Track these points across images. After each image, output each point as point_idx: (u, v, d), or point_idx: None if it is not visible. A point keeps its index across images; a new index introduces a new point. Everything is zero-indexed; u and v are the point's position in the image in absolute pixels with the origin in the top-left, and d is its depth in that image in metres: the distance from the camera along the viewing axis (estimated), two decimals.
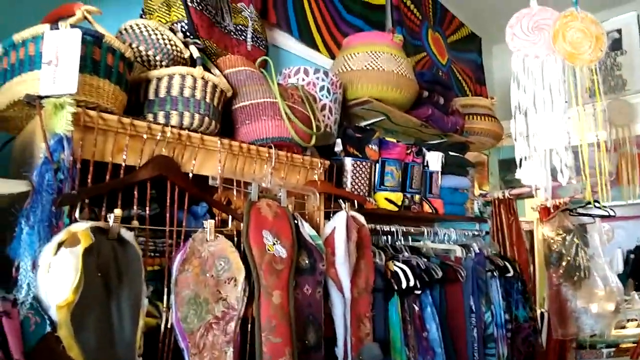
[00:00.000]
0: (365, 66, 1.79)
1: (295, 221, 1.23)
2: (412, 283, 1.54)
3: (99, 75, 0.89)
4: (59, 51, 0.83)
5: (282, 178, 1.31)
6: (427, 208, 1.98)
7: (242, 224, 1.12)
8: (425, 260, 1.73)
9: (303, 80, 1.63)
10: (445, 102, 2.18)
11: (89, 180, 0.85)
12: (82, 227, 0.78)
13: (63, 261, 0.72)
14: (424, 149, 2.03)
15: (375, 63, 1.79)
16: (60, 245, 0.74)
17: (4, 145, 1.03)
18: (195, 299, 0.95)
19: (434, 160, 2.03)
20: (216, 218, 1.12)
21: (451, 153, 2.14)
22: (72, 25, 0.85)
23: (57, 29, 0.84)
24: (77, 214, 0.82)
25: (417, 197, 1.94)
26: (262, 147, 1.23)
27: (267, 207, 1.19)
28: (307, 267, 1.21)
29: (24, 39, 0.86)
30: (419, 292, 1.60)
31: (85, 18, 0.93)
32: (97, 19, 0.95)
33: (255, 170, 1.23)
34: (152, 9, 1.26)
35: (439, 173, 2.06)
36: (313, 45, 2.04)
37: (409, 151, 1.91)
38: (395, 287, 1.52)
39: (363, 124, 1.99)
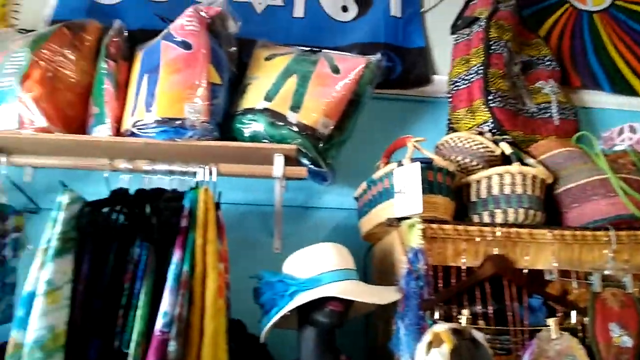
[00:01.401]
0: None
1: None
2: None
3: (433, 193, 1.07)
4: (405, 181, 1.05)
5: (626, 261, 1.11)
6: None
7: (585, 318, 1.01)
8: None
9: (630, 139, 1.39)
10: None
11: (439, 284, 1.00)
12: (443, 329, 0.90)
13: None
14: None
15: None
16: (429, 345, 0.87)
17: (367, 252, 1.35)
18: None
19: None
20: (557, 313, 1.05)
21: None
22: (412, 159, 1.07)
23: (402, 165, 1.08)
24: (436, 316, 0.96)
25: None
26: (598, 231, 1.10)
27: (612, 296, 1.04)
28: None
29: (381, 176, 1.15)
30: None
31: (415, 147, 1.16)
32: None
33: (593, 257, 1.10)
34: (457, 119, 1.42)
35: None
36: (631, 92, 1.73)
37: None
38: None
39: None
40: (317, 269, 0.99)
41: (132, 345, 0.86)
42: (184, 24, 1.26)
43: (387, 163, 1.36)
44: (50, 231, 0.93)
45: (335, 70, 1.33)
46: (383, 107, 1.62)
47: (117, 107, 1.26)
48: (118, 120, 1.26)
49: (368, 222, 1.24)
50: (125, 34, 1.34)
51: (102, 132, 1.23)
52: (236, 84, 1.40)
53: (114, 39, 1.30)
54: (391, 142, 1.33)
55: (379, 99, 1.56)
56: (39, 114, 1.17)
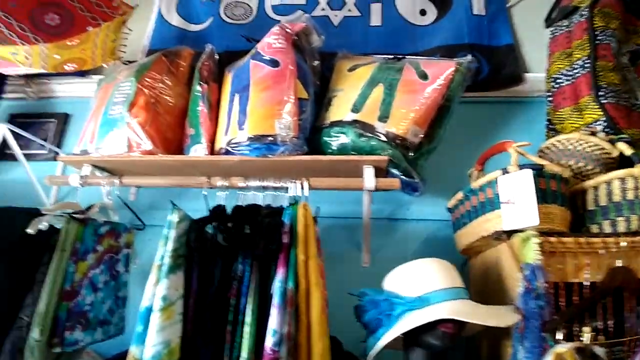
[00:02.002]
0: None
1: None
2: None
3: (547, 202, 0.96)
4: (514, 191, 0.96)
5: None
6: None
7: None
8: None
9: None
10: None
11: (560, 302, 0.89)
12: (566, 349, 0.80)
13: None
14: None
15: None
16: None
17: (462, 266, 1.26)
18: None
19: None
20: None
21: None
22: (520, 166, 0.97)
23: (508, 172, 0.99)
24: (559, 336, 0.85)
25: None
26: None
27: None
28: None
29: (482, 185, 1.06)
30: None
31: (518, 152, 1.06)
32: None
33: None
34: (561, 118, 1.29)
35: None
36: None
37: None
38: None
39: None
40: (425, 287, 0.93)
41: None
42: (271, 42, 1.28)
43: (481, 170, 1.27)
44: (162, 249, 0.97)
45: (423, 76, 1.27)
46: (470, 111, 1.53)
47: (211, 127, 1.30)
48: (212, 140, 1.30)
49: (467, 235, 1.15)
50: (216, 57, 1.39)
51: (198, 151, 1.28)
52: (320, 98, 1.39)
53: (206, 63, 1.36)
54: (481, 148, 1.24)
55: (465, 102, 1.46)
56: (145, 138, 1.25)
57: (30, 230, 0.97)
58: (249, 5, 1.77)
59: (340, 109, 1.31)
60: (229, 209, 1.08)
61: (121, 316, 1.21)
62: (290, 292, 0.90)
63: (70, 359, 1.09)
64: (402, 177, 1.23)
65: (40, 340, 0.96)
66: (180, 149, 1.35)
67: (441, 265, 0.98)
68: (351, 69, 1.41)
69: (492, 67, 1.62)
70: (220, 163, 1.24)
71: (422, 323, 0.86)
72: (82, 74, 1.68)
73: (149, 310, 0.92)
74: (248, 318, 0.90)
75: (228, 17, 1.76)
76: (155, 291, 0.93)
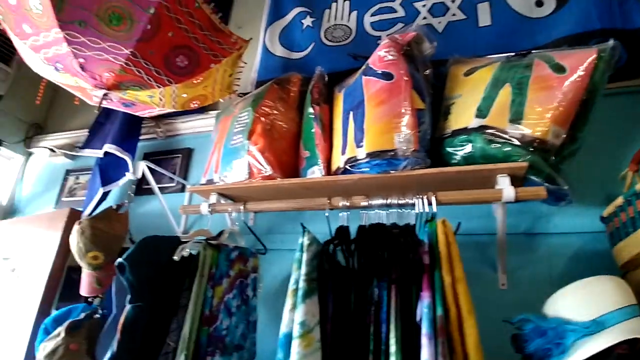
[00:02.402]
0: None
1: None
2: None
3: None
4: None
5: None
6: None
7: None
8: None
9: None
10: None
11: None
12: None
13: None
14: None
15: None
16: None
17: None
18: None
19: None
20: None
21: None
22: None
23: None
24: None
25: None
26: None
27: None
28: None
29: None
30: None
31: None
32: None
33: None
34: None
35: None
36: None
37: None
38: None
39: None
40: (599, 309, 0.78)
41: None
42: (382, 55, 1.24)
43: (637, 171, 1.06)
44: (296, 272, 0.95)
45: (559, 69, 1.11)
46: (609, 104, 1.30)
47: (326, 148, 1.28)
48: (327, 160, 1.28)
49: (632, 246, 0.95)
50: (326, 79, 1.39)
51: (315, 173, 1.26)
52: (434, 108, 1.30)
53: (316, 85, 1.36)
54: (625, 145, 1.06)
55: (603, 95, 1.26)
56: (265, 163, 1.27)
57: (176, 257, 1.02)
58: (347, 27, 1.77)
59: (462, 116, 1.20)
60: (352, 230, 1.04)
61: (253, 341, 1.21)
62: (441, 320, 0.80)
63: None
64: (545, 184, 1.07)
65: None
66: (296, 172, 1.35)
67: (613, 282, 0.82)
68: (468, 73, 1.30)
69: (630, 53, 1.38)
70: (340, 183, 1.20)
71: (601, 349, 0.71)
72: (201, 111, 1.82)
73: (288, 336, 0.89)
74: (393, 348, 0.82)
75: (329, 40, 1.77)
76: (293, 317, 0.90)
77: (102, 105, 1.26)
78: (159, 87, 1.22)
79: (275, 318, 1.42)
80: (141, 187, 1.76)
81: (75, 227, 1.26)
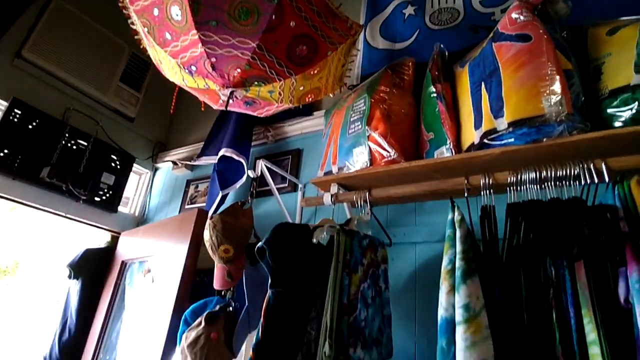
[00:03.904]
0: None
1: None
2: None
3: None
4: None
5: None
6: None
7: None
8: None
9: None
10: None
11: None
12: None
13: None
14: None
15: None
16: None
17: None
18: None
19: None
20: None
21: None
22: None
23: None
24: None
25: None
26: None
27: None
28: None
29: None
30: None
31: None
32: None
33: None
34: None
35: None
36: None
37: None
38: None
39: None
40: None
41: None
42: (514, 17, 1.09)
43: None
44: (450, 251, 0.83)
45: None
46: None
47: (453, 126, 1.16)
48: (455, 139, 1.15)
49: None
50: (446, 54, 1.28)
51: (444, 154, 1.14)
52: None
53: (436, 63, 1.25)
54: None
55: None
56: (388, 147, 1.18)
57: (314, 240, 0.96)
58: (454, 8, 1.65)
59: (618, 75, 1.00)
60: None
61: (389, 337, 1.10)
62: None
63: None
64: None
65: (330, 356, 0.90)
66: (417, 158, 1.24)
67: None
68: (610, 32, 1.10)
69: None
70: (477, 160, 1.06)
71: None
72: (308, 112, 1.81)
73: (450, 322, 0.77)
74: (591, 335, 0.66)
75: (435, 24, 1.66)
76: (452, 300, 0.78)
77: (228, 108, 1.30)
78: (279, 79, 1.21)
79: (403, 316, 1.31)
80: (256, 189, 1.78)
81: (208, 222, 1.29)
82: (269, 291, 0.97)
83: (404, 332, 1.26)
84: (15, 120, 1.86)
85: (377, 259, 1.14)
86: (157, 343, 1.42)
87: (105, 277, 2.05)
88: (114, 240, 2.19)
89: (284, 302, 0.95)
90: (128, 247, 2.06)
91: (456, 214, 0.86)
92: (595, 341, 0.65)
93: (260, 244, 0.97)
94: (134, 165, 2.31)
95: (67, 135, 2.01)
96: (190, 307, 1.34)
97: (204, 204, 1.96)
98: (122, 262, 2.03)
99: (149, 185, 2.40)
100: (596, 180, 0.88)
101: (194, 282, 1.54)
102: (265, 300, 0.96)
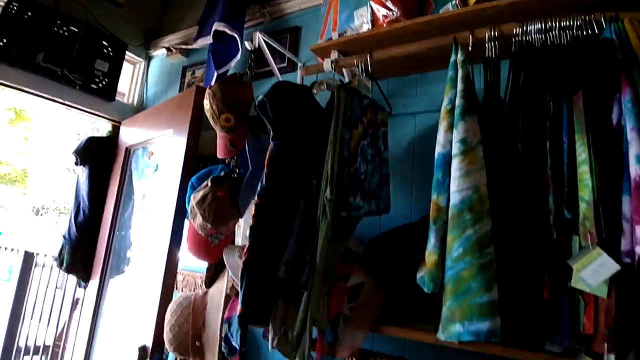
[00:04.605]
0: None
1: None
2: None
3: None
4: None
5: None
6: None
7: None
8: None
9: None
10: None
11: None
12: None
13: None
14: None
15: None
16: None
17: None
18: None
19: None
20: None
21: None
22: None
23: None
24: None
25: None
26: None
27: None
28: None
29: None
30: None
31: None
32: None
33: None
34: None
35: None
36: None
37: None
38: None
39: None
40: None
41: (584, 205, 0.65)
42: None
43: None
44: (451, 91, 0.83)
45: None
46: None
47: None
48: None
49: None
50: None
51: (450, 9, 1.07)
52: None
53: None
54: None
55: None
56: (391, 5, 1.11)
57: (314, 90, 0.95)
58: None
59: None
60: None
61: (387, 194, 1.15)
62: None
63: (348, 235, 1.08)
64: None
65: (332, 200, 0.95)
66: None
67: None
68: None
69: None
70: (483, 13, 1.00)
71: None
72: None
73: (445, 156, 0.80)
74: (582, 155, 0.68)
75: None
76: (450, 137, 0.79)
77: None
78: None
79: (400, 184, 1.36)
80: (254, 62, 1.72)
81: (207, 91, 1.26)
82: (271, 143, 0.98)
83: (402, 197, 1.32)
84: (13, 12, 1.85)
85: (377, 120, 1.15)
86: (166, 218, 1.49)
87: (111, 164, 2.09)
88: (115, 129, 2.19)
89: (285, 152, 0.97)
90: (130, 134, 2.07)
91: (459, 55, 0.84)
92: (586, 160, 0.67)
93: (260, 97, 0.96)
94: (128, 54, 2.21)
95: (58, 22, 1.94)
96: (196, 175, 1.38)
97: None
98: (126, 148, 2.05)
99: (144, 74, 2.32)
100: (597, 31, 0.84)
101: (198, 169, 1.57)
102: (267, 152, 0.98)
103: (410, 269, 0.90)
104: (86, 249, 2.01)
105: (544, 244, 0.71)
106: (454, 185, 0.76)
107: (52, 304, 3.02)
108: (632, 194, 0.60)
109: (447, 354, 1.01)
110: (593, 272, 0.62)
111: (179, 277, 1.72)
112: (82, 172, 2.12)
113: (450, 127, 0.80)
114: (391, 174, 1.21)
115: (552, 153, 0.73)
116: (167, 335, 1.16)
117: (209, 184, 1.20)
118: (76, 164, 2.10)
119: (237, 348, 1.05)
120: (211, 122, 1.31)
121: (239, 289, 0.92)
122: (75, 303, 2.96)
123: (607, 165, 0.66)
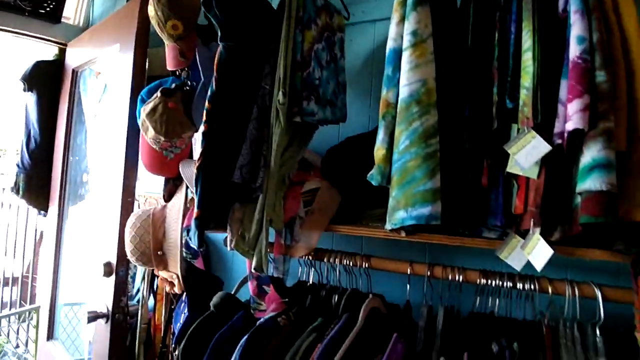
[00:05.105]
0: None
1: None
2: None
3: None
4: None
5: None
6: None
7: None
8: None
9: None
10: None
11: None
12: None
13: None
14: None
15: None
16: None
17: None
18: None
19: None
20: None
21: None
22: None
23: None
24: None
25: None
26: None
27: None
28: None
29: None
30: None
31: None
32: None
33: None
34: None
35: None
36: None
37: None
38: None
39: None
40: None
41: (524, 92, 0.66)
42: None
43: None
44: None
45: None
46: None
47: None
48: None
49: None
50: None
51: None
52: None
53: None
54: None
55: None
56: None
57: None
58: None
59: None
60: None
61: (343, 102, 1.13)
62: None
63: (304, 142, 1.08)
64: None
65: (284, 104, 0.93)
66: None
67: None
68: None
69: None
70: None
71: None
72: None
73: (396, 51, 0.78)
74: (527, 43, 0.68)
75: None
76: (401, 30, 0.77)
77: None
78: None
79: (358, 96, 1.34)
80: None
81: None
82: (219, 45, 0.92)
83: (361, 107, 1.31)
84: None
85: (333, 24, 1.09)
86: (120, 136, 1.42)
87: (59, 88, 1.95)
88: (62, 53, 2.02)
89: (235, 54, 0.92)
90: (76, 55, 1.90)
91: None
92: (530, 47, 0.67)
93: None
94: None
95: None
96: (146, 88, 1.30)
97: None
98: (73, 70, 1.89)
99: None
100: None
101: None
102: (217, 55, 0.92)
103: (365, 172, 0.92)
104: (41, 176, 1.93)
105: (485, 133, 0.73)
106: (403, 79, 0.75)
107: (16, 238, 2.99)
108: (569, 74, 0.62)
109: (400, 249, 1.07)
110: (526, 154, 0.65)
111: (141, 200, 1.70)
112: (30, 98, 1.97)
113: (402, 20, 0.77)
114: (349, 85, 1.19)
115: (499, 44, 0.72)
116: (128, 247, 1.17)
117: (159, 94, 1.14)
118: (24, 90, 1.95)
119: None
120: (157, 30, 1.21)
121: (194, 195, 0.92)
122: (41, 237, 2.93)
123: (550, 51, 0.66)
